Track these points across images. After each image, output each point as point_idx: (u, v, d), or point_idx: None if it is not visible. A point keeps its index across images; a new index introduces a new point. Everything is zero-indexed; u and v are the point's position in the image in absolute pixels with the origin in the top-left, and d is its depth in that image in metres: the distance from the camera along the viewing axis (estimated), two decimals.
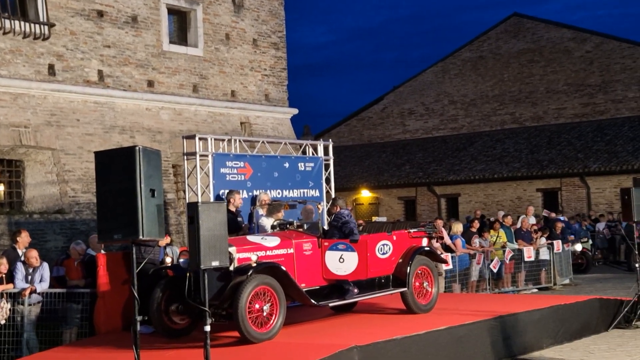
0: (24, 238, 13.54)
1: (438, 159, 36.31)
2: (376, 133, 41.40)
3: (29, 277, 12.51)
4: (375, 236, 11.83)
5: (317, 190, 15.71)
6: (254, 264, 9.89)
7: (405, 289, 11.77)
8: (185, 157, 14.65)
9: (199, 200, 13.82)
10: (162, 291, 10.35)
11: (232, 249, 9.99)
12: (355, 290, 11.24)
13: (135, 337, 7.22)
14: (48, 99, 18.07)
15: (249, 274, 9.75)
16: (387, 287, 11.81)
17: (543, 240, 20.54)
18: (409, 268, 11.80)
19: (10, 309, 12.17)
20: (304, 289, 10.78)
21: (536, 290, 19.63)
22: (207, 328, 7.75)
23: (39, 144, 17.79)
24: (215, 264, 7.83)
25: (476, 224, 19.55)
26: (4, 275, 12.38)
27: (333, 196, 16.30)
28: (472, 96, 38.90)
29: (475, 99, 38.79)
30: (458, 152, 36.36)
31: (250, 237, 11.12)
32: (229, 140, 15.35)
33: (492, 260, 18.47)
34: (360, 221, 18.47)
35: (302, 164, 15.61)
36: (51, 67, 18.17)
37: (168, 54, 20.78)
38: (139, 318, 7.28)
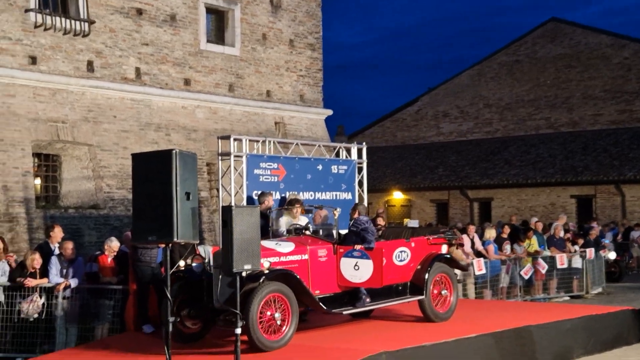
0: (57, 233, 13.72)
1: (471, 162, 36.13)
2: (410, 135, 41.30)
3: (63, 272, 12.68)
4: (392, 243, 11.67)
5: (349, 193, 15.73)
6: (266, 271, 9.69)
7: (422, 296, 11.60)
8: (219, 157, 14.73)
9: (233, 201, 13.92)
10: (174, 296, 10.08)
11: None
12: (368, 300, 11.11)
13: (167, 337, 7.30)
14: (86, 95, 18.28)
15: (261, 280, 9.57)
16: (405, 295, 11.64)
17: (576, 248, 20.37)
18: (427, 275, 11.60)
19: (44, 304, 12.36)
20: (318, 296, 10.64)
21: (568, 298, 19.47)
22: (238, 330, 7.81)
23: (76, 139, 18.02)
24: (247, 267, 7.89)
25: (507, 230, 19.42)
26: (37, 270, 12.56)
27: (365, 199, 16.33)
28: (507, 100, 38.66)
29: (511, 103, 38.54)
30: (492, 156, 36.16)
31: (264, 243, 10.75)
32: (263, 142, 15.43)
33: (523, 267, 18.36)
34: (381, 220, 18.46)
35: (336, 166, 15.63)
36: (90, 64, 18.38)
37: (205, 52, 20.92)
38: (171, 319, 7.35)
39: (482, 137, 38.78)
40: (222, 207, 8.33)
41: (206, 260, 10.29)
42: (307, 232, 11.39)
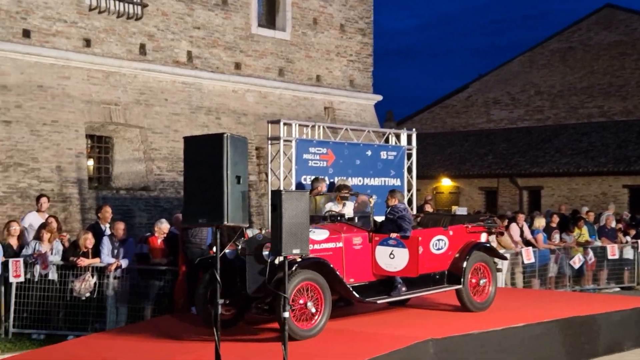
0: (107, 213, 13.94)
1: (522, 150, 35.71)
2: (459, 121, 40.96)
3: (114, 252, 12.89)
4: (430, 231, 11.53)
5: (398, 180, 15.70)
6: (299, 259, 9.48)
7: (460, 286, 11.43)
8: (269, 142, 14.81)
9: (281, 186, 13.99)
10: (207, 282, 10.18)
11: None
12: (404, 289, 10.98)
13: (216, 319, 7.38)
14: (138, 78, 18.48)
15: (293, 268, 9.39)
16: (442, 284, 11.49)
17: (628, 239, 20.07)
18: (465, 264, 11.44)
19: (95, 283, 12.57)
20: (353, 284, 10.50)
21: (618, 289, 19.21)
22: (286, 314, 7.85)
23: (128, 121, 18.24)
24: (296, 251, 7.92)
25: (555, 219, 19.21)
26: (89, 250, 12.78)
27: (414, 186, 16.28)
28: (559, 87, 38.08)
29: (563, 90, 37.96)
30: (542, 144, 35.69)
31: None
32: (313, 126, 15.45)
33: (572, 257, 18.16)
34: (428, 207, 18.32)
35: (385, 152, 15.61)
36: (142, 47, 18.57)
37: (256, 37, 20.98)
38: (220, 301, 7.43)
39: (533, 124, 38.27)
40: (272, 191, 8.38)
41: (239, 247, 10.25)
42: (342, 220, 11.20)
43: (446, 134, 40.10)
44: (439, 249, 11.38)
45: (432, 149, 37.74)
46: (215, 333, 7.27)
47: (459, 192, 36.06)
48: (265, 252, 9.58)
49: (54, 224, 13.27)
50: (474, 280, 11.65)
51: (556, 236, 18.48)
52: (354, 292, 10.33)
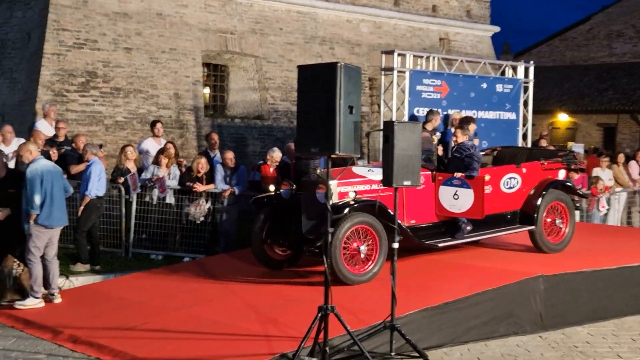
0: (213, 141, 14.23)
1: None
2: (579, 55, 39.51)
3: (227, 179, 13.16)
4: (500, 169, 11.06)
5: (513, 113, 15.39)
6: (352, 202, 9.26)
7: (532, 226, 10.90)
8: (382, 73, 14.70)
9: (394, 117, 13.92)
10: (263, 222, 10.05)
11: (333, 182, 9.31)
12: (468, 228, 10.53)
13: (326, 248, 7.48)
14: (254, 7, 18.58)
15: (345, 211, 9.13)
16: (514, 224, 11.02)
17: None
18: (538, 203, 10.89)
19: (209, 208, 12.91)
20: (414, 226, 10.14)
21: None
22: (396, 245, 7.87)
23: (243, 50, 18.43)
24: (407, 183, 7.87)
25: None
26: (203, 175, 13.07)
27: (529, 120, 15.91)
28: None
29: None
30: None
31: (356, 169, 10.33)
32: (427, 58, 15.23)
33: None
34: (544, 142, 17.84)
35: (501, 85, 15.29)
36: None
37: None
38: (330, 230, 7.51)
39: None
40: (384, 122, 8.32)
41: (294, 187, 10.09)
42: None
43: (565, 68, 38.80)
44: (510, 188, 10.90)
45: (549, 83, 36.65)
46: (325, 261, 7.36)
47: (576, 128, 35.04)
48: (319, 193, 9.35)
49: (172, 150, 13.62)
50: (549, 220, 11.11)
51: None
52: (412, 235, 9.94)
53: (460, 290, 8.87)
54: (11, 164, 11.88)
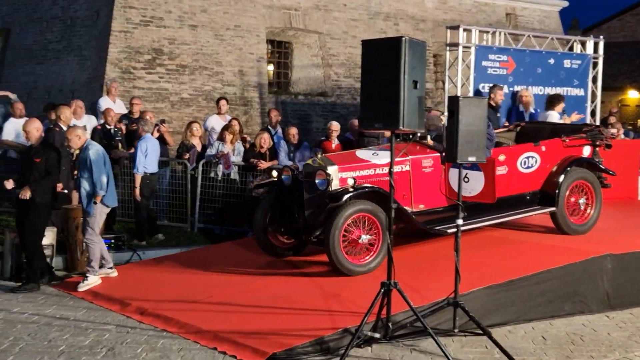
0: (273, 117, 14.28)
1: None
2: None
3: (291, 155, 13.20)
4: (516, 148, 10.46)
5: (581, 90, 15.09)
6: (350, 189, 8.76)
7: (553, 208, 10.32)
8: (447, 48, 14.55)
9: (459, 93, 13.77)
10: (265, 209, 9.71)
11: (333, 168, 9.09)
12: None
13: (389, 223, 7.46)
14: None
15: (344, 199, 8.67)
16: (534, 205, 10.41)
17: None
18: (560, 182, 10.31)
19: None
20: (423, 210, 9.64)
21: None
22: (460, 221, 7.78)
23: (307, 27, 18.41)
24: (472, 159, 7.76)
25: None
26: (267, 151, 13.13)
27: (598, 97, 15.57)
28: None
29: None
30: None
31: (359, 153, 9.88)
32: (493, 33, 15.01)
33: None
34: (612, 119, 17.35)
35: (569, 61, 14.98)
36: None
37: None
38: (394, 205, 7.48)
39: None
40: (449, 97, 8.22)
41: (295, 173, 9.72)
42: (415, 138, 9.83)
43: (636, 43, 37.82)
44: (528, 167, 10.29)
45: (619, 59, 35.77)
46: (385, 240, 7.34)
47: None
48: (318, 180, 9.04)
49: (237, 126, 13.71)
50: (573, 199, 10.53)
51: None
52: (417, 222, 9.47)
53: (525, 267, 8.75)
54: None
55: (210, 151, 13.25)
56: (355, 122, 13.02)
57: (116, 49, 15.82)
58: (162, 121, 13.74)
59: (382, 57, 7.20)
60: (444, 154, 9.43)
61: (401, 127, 7.09)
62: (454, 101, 7.67)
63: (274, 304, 8.14)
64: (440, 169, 9.81)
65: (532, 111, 13.51)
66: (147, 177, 12.20)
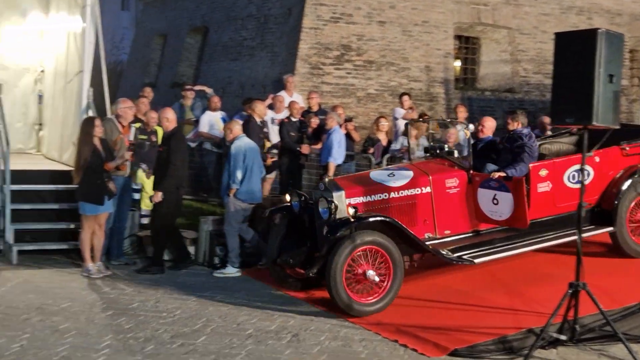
0: (460, 113, 14.06)
1: None
2: None
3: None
4: (563, 161, 9.05)
5: None
6: (352, 219, 7.84)
7: (610, 228, 9.08)
8: None
9: None
10: (276, 239, 8.88)
11: (339, 194, 8.19)
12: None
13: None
14: None
15: (345, 229, 7.78)
16: (587, 224, 9.02)
17: None
18: (619, 198, 9.07)
19: None
20: (450, 237, 8.58)
21: None
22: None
23: (496, 22, 18.10)
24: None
25: None
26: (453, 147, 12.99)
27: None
28: None
29: None
30: None
31: (374, 174, 8.85)
32: None
33: None
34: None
35: None
36: None
37: None
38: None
39: None
40: None
41: (302, 198, 8.82)
42: (443, 154, 9.06)
43: None
44: (578, 182, 8.32)
45: None
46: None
47: None
48: (321, 209, 8.23)
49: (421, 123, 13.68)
50: (638, 216, 9.25)
51: None
52: (434, 251, 8.32)
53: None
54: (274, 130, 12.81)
55: (395, 146, 13.30)
56: (546, 118, 12.66)
57: (306, 45, 16.21)
58: (349, 119, 13.93)
59: (576, 50, 6.98)
60: (471, 172, 8.72)
61: (594, 123, 6.84)
62: None
63: (457, 300, 8.10)
64: (468, 189, 8.77)
65: None
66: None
